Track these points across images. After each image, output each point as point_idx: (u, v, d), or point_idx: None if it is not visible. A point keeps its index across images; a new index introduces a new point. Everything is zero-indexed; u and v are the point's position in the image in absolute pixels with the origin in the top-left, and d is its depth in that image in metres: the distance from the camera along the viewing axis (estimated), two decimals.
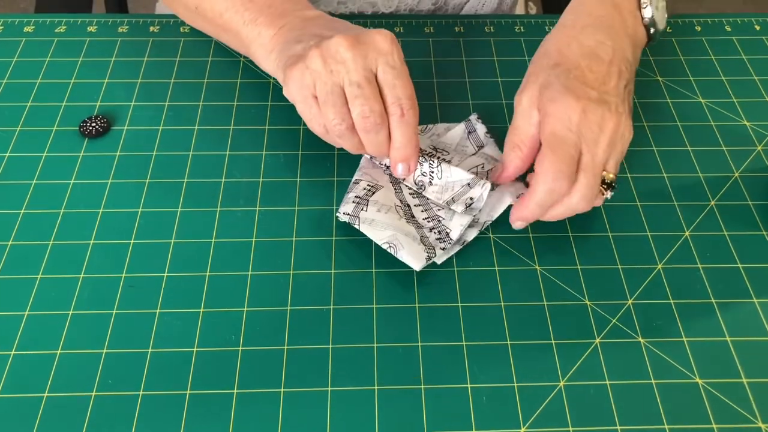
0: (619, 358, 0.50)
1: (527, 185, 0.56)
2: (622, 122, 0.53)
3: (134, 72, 0.68)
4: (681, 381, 0.49)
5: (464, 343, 0.50)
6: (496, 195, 0.57)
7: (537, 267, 0.55)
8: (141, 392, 0.48)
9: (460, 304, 0.52)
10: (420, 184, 0.56)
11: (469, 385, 0.48)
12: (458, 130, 0.62)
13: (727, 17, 0.76)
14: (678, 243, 0.56)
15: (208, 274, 0.53)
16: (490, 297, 0.53)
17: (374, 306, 0.52)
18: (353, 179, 0.58)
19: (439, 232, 0.55)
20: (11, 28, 0.72)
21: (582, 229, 0.57)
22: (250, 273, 0.54)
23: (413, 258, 0.53)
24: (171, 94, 0.66)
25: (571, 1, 0.62)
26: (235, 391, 0.48)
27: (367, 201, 0.56)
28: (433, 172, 0.56)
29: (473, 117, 0.62)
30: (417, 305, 0.52)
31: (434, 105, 0.65)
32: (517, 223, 0.55)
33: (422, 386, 0.48)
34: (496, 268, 0.54)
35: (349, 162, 0.61)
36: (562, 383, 0.49)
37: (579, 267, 0.55)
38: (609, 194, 0.54)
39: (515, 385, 0.48)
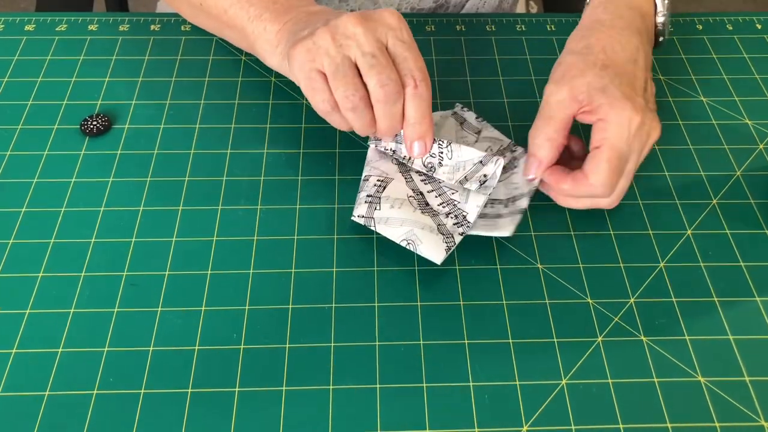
0: (621, 357, 0.50)
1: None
2: (660, 132, 0.55)
3: (135, 70, 0.68)
4: (683, 379, 0.49)
5: (466, 342, 0.50)
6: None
7: (539, 265, 0.55)
8: (142, 390, 0.47)
9: (462, 303, 0.52)
10: (429, 166, 0.56)
11: (471, 384, 0.48)
12: (450, 123, 0.61)
13: (729, 16, 0.76)
14: (680, 241, 0.56)
15: (209, 272, 0.53)
16: (492, 295, 0.53)
17: (376, 304, 0.52)
18: (363, 176, 0.57)
19: (456, 216, 0.55)
20: (12, 26, 0.72)
21: (584, 228, 0.57)
22: (251, 271, 0.54)
23: (433, 252, 0.53)
24: (172, 93, 0.66)
25: None
26: (236, 389, 0.48)
27: (379, 198, 0.55)
28: (442, 153, 0.55)
29: (458, 108, 0.63)
30: (419, 303, 0.52)
31: (435, 103, 0.65)
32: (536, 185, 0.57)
33: (424, 384, 0.48)
34: (498, 267, 0.54)
35: (350, 160, 0.61)
36: (564, 381, 0.48)
37: (581, 265, 0.55)
38: None
39: (517, 383, 0.48)
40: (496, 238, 0.56)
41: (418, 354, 0.50)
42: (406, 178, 0.57)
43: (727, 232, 0.57)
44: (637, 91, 0.55)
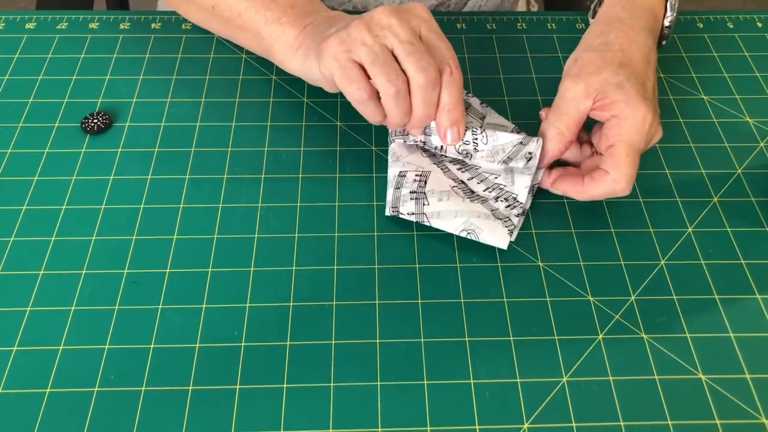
0: (622, 354, 0.50)
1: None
2: (662, 134, 0.57)
3: (136, 68, 0.68)
4: (684, 377, 0.49)
5: (467, 339, 0.50)
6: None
7: (540, 263, 0.55)
8: (143, 388, 0.47)
9: (462, 300, 0.52)
10: (465, 153, 0.57)
11: (472, 381, 0.48)
12: None
13: (729, 14, 0.75)
14: (681, 239, 0.56)
15: (210, 270, 0.53)
16: (493, 293, 0.53)
17: (377, 302, 0.52)
18: (396, 171, 0.57)
19: (506, 200, 0.55)
20: (13, 24, 0.72)
21: (585, 226, 0.57)
22: (252, 269, 0.54)
23: (496, 238, 0.53)
24: (173, 91, 0.66)
25: None
26: (237, 386, 0.48)
27: (425, 194, 0.55)
28: (476, 139, 0.56)
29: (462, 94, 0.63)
30: (420, 301, 0.52)
31: None
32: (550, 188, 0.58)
33: (425, 382, 0.48)
34: (499, 265, 0.54)
35: (351, 159, 0.61)
36: (565, 379, 0.48)
37: (582, 263, 0.55)
38: None
39: (518, 380, 0.48)
40: None
41: (419, 351, 0.50)
42: (442, 169, 0.57)
43: (728, 229, 0.57)
44: (648, 91, 0.56)
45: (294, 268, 0.54)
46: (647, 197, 0.59)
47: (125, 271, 0.53)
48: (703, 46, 0.72)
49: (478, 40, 0.72)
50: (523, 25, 0.74)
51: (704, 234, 0.57)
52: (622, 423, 0.46)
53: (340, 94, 0.65)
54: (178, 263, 0.54)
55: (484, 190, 0.56)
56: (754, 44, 0.72)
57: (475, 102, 0.62)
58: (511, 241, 0.55)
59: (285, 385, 0.48)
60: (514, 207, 0.55)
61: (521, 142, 0.56)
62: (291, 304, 0.52)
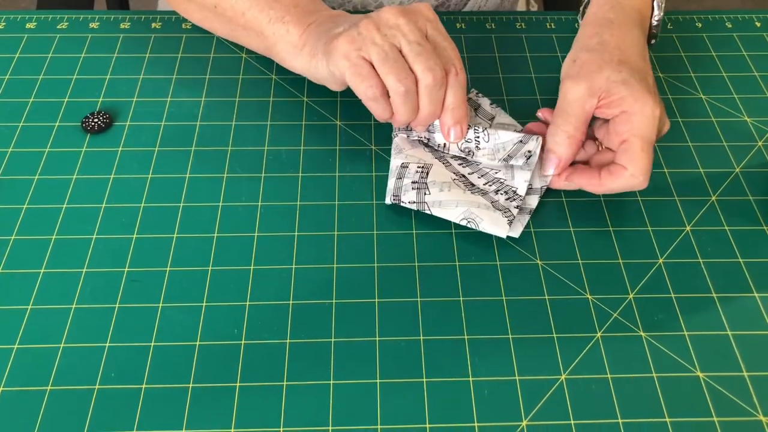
0: (620, 352, 0.50)
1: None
2: (669, 127, 0.59)
3: (136, 68, 0.68)
4: (682, 374, 0.49)
5: (466, 337, 0.50)
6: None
7: (538, 261, 0.55)
8: (144, 386, 0.48)
9: (461, 299, 0.52)
10: (467, 150, 0.58)
11: (470, 379, 0.48)
12: None
13: (728, 14, 0.76)
14: (679, 238, 0.56)
15: (210, 268, 0.54)
16: (492, 291, 0.53)
17: (376, 300, 0.52)
18: (399, 163, 0.58)
19: (506, 193, 0.56)
20: (13, 24, 0.72)
21: (583, 224, 0.57)
22: (252, 267, 0.54)
23: (496, 226, 0.54)
24: (173, 90, 0.66)
25: None
26: (237, 384, 0.48)
27: (426, 184, 0.56)
28: (479, 137, 0.57)
29: (473, 93, 0.63)
30: (419, 299, 0.52)
31: None
32: (563, 183, 0.58)
33: (424, 379, 0.48)
34: (498, 263, 0.55)
35: (350, 158, 0.61)
36: (563, 377, 0.49)
37: (580, 261, 0.55)
38: None
39: (517, 378, 0.48)
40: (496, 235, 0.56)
41: (418, 349, 0.50)
42: (444, 164, 0.58)
43: (726, 228, 0.57)
44: (650, 86, 0.56)
45: (294, 266, 0.54)
46: (646, 196, 0.59)
47: (126, 269, 0.53)
48: (702, 46, 0.72)
49: (477, 39, 0.72)
50: (523, 24, 0.74)
51: (702, 232, 0.57)
52: (620, 420, 0.47)
53: (340, 94, 0.65)
54: (178, 261, 0.54)
55: (484, 184, 0.57)
56: (752, 44, 0.72)
57: (485, 102, 0.63)
58: (513, 237, 0.55)
59: (285, 383, 0.48)
60: (514, 199, 0.56)
61: (521, 141, 0.57)
62: (291, 302, 0.52)
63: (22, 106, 0.64)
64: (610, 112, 0.55)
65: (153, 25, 0.72)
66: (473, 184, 0.57)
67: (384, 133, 0.63)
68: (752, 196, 0.59)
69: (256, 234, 0.56)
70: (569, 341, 0.50)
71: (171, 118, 0.64)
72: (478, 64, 0.69)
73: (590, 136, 0.59)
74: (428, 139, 0.59)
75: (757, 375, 0.49)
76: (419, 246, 0.55)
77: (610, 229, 0.57)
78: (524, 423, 0.47)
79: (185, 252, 0.54)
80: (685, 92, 0.68)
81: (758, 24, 0.75)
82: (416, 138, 0.59)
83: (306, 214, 0.57)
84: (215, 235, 0.56)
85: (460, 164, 0.58)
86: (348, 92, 0.65)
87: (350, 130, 0.63)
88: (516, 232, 0.55)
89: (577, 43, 0.61)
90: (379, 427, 0.46)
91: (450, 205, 0.55)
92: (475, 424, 0.46)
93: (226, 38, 0.69)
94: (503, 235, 0.54)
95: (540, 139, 0.56)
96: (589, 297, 0.53)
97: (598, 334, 0.51)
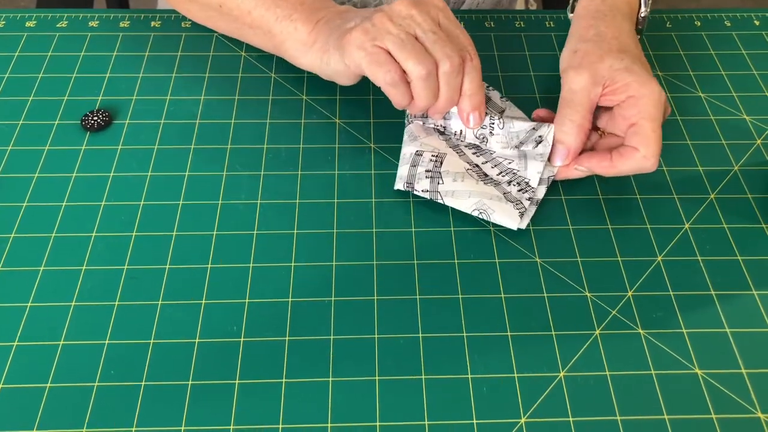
0: (618, 349, 0.50)
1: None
2: (670, 111, 0.59)
3: (136, 66, 0.68)
4: (680, 372, 0.49)
5: (465, 334, 0.50)
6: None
7: (537, 259, 0.55)
8: (143, 383, 0.48)
9: (460, 296, 0.52)
10: (481, 137, 0.58)
11: (469, 376, 0.48)
12: None
13: (727, 12, 0.76)
14: (678, 235, 0.57)
15: (209, 266, 0.54)
16: (491, 289, 0.53)
17: (375, 297, 0.52)
18: (413, 150, 0.58)
19: (518, 184, 0.57)
20: (13, 23, 0.72)
21: (582, 222, 0.57)
22: (251, 265, 0.54)
23: (508, 218, 0.55)
24: (172, 89, 0.66)
25: None
26: (236, 381, 0.48)
27: (440, 173, 0.56)
28: (493, 123, 0.58)
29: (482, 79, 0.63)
30: (418, 297, 0.52)
31: None
32: (578, 170, 0.58)
33: (423, 377, 0.48)
34: (497, 261, 0.55)
35: (349, 156, 0.61)
36: (562, 374, 0.49)
37: (579, 259, 0.55)
38: None
39: (515, 375, 0.49)
40: (495, 231, 0.56)
41: (417, 347, 0.50)
42: (458, 153, 0.59)
43: (725, 226, 0.57)
44: (650, 72, 0.57)
45: (293, 264, 0.54)
46: (644, 194, 0.59)
47: (125, 267, 0.53)
48: (701, 44, 0.72)
49: (476, 38, 0.72)
50: (522, 23, 0.74)
51: (701, 230, 0.57)
52: (618, 417, 0.47)
53: (340, 92, 0.66)
54: (177, 259, 0.54)
55: (497, 174, 0.58)
56: (751, 42, 0.73)
57: (495, 96, 0.63)
58: (521, 228, 0.56)
59: (284, 380, 0.48)
60: (526, 191, 0.56)
61: (534, 128, 0.58)
62: (290, 299, 0.52)
63: (21, 104, 0.64)
64: (616, 98, 0.56)
65: (152, 23, 0.72)
66: (486, 175, 0.58)
67: (383, 131, 0.63)
68: (751, 195, 0.60)
69: (255, 231, 0.56)
70: (568, 338, 0.50)
71: (170, 116, 0.64)
72: None
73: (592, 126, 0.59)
74: (444, 127, 0.60)
75: (755, 372, 0.49)
76: (418, 244, 0.55)
77: (609, 226, 0.57)
78: (523, 420, 0.47)
79: (185, 249, 0.55)
80: (684, 90, 0.68)
81: (757, 22, 0.75)
82: (431, 125, 0.60)
83: (305, 211, 0.57)
84: (214, 232, 0.56)
85: (474, 153, 0.59)
86: (347, 90, 0.65)
87: (349, 128, 0.63)
88: (524, 224, 0.56)
89: (573, 35, 0.62)
90: (378, 424, 0.46)
91: (463, 195, 0.56)
92: (474, 421, 0.46)
93: (230, 36, 0.69)
94: (514, 227, 0.55)
95: (552, 126, 0.57)
96: (588, 294, 0.53)
97: (597, 332, 0.51)
